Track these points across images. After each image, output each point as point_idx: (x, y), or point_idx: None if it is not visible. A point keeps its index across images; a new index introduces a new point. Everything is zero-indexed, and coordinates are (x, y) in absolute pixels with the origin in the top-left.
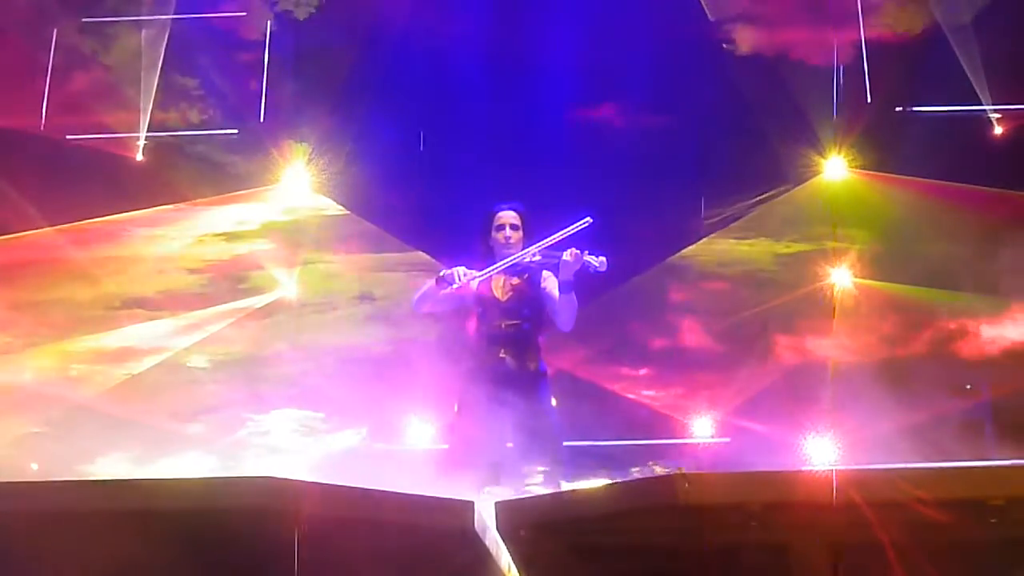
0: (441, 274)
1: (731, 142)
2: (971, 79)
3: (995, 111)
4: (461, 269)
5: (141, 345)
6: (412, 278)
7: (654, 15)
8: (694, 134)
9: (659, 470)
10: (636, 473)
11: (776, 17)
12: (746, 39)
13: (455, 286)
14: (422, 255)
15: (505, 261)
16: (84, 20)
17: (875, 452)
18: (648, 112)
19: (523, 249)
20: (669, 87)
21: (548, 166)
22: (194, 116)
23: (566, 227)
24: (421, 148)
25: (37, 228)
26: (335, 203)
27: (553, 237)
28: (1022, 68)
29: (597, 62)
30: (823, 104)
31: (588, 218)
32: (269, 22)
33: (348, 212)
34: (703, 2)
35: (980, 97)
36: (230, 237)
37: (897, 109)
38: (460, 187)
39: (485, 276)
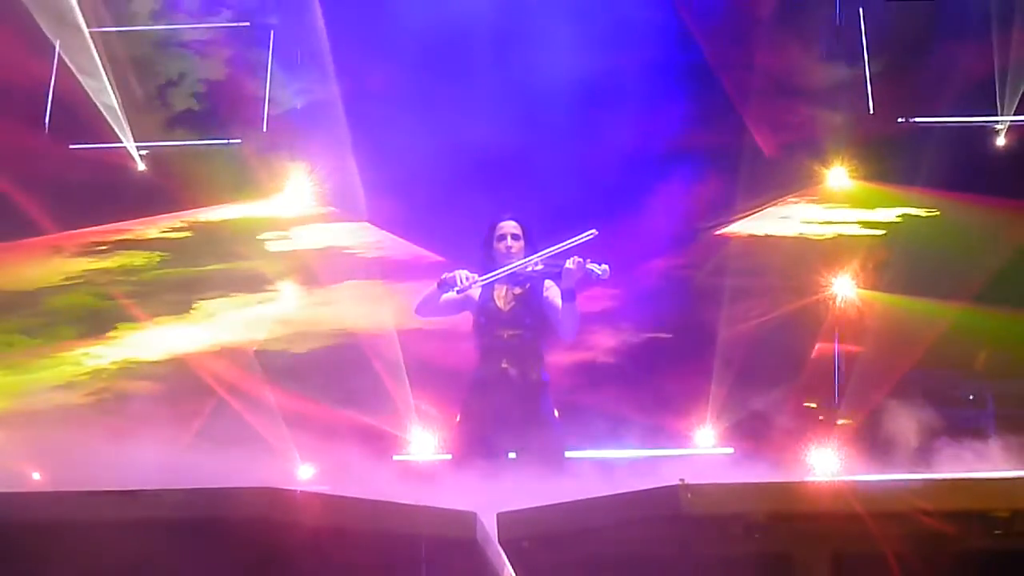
0: (443, 277)
1: (734, 152)
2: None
3: (999, 121)
4: (464, 272)
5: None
6: (417, 285)
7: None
8: (694, 144)
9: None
10: (638, 484)
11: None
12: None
13: (456, 289)
14: (428, 260)
15: (511, 266)
16: (91, 31)
17: (879, 463)
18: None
19: (524, 259)
20: (666, 100)
21: (549, 177)
22: (197, 125)
23: (569, 238)
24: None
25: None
26: (338, 212)
27: (559, 246)
28: None
29: (599, 72)
30: (825, 114)
31: (593, 230)
32: (272, 32)
33: (353, 221)
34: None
35: (999, 107)
36: (234, 246)
37: (899, 120)
38: (465, 198)
39: (488, 280)
